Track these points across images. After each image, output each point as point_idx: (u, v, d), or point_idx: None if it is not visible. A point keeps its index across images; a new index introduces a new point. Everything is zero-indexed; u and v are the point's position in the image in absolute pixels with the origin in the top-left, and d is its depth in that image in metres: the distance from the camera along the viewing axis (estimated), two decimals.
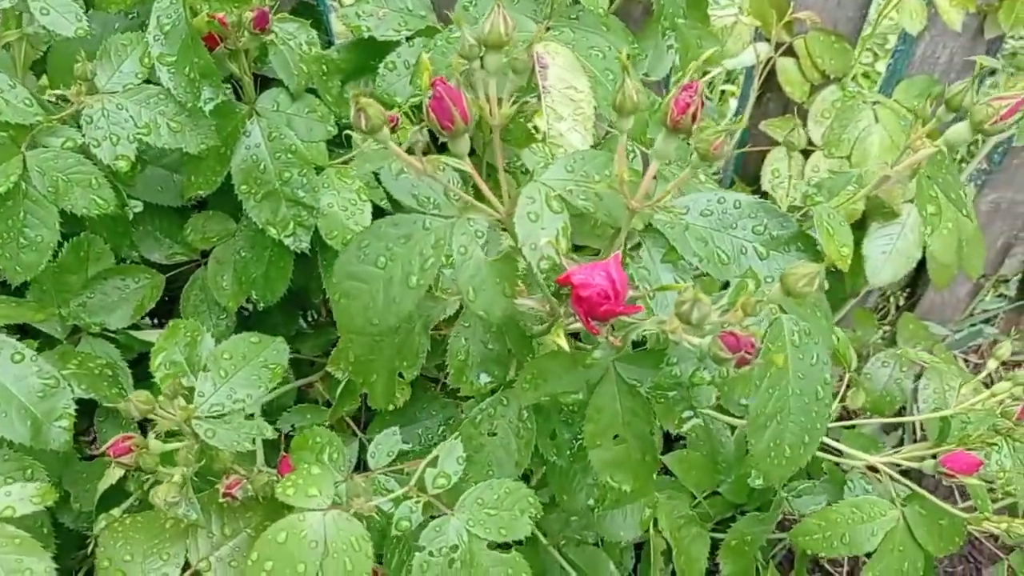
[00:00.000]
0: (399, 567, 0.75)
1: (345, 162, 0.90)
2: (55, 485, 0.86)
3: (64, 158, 0.77)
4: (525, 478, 0.99)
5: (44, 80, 0.88)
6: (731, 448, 1.11)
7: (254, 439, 0.75)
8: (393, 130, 0.82)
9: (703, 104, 0.55)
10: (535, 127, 0.78)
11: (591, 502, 0.82)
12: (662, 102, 0.56)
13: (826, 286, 0.72)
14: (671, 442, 1.22)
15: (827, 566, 1.55)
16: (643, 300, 0.62)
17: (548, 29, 0.80)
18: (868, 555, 0.90)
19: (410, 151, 0.60)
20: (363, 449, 0.94)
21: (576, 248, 0.84)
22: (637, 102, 0.55)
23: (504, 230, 0.63)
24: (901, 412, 1.31)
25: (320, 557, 0.62)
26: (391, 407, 0.91)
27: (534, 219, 0.60)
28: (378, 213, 0.88)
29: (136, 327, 0.97)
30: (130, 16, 0.89)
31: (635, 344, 0.70)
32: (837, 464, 1.09)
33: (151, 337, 0.89)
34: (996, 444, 0.84)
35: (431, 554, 0.67)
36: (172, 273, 0.99)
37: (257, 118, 0.86)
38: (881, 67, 2.13)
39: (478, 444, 0.77)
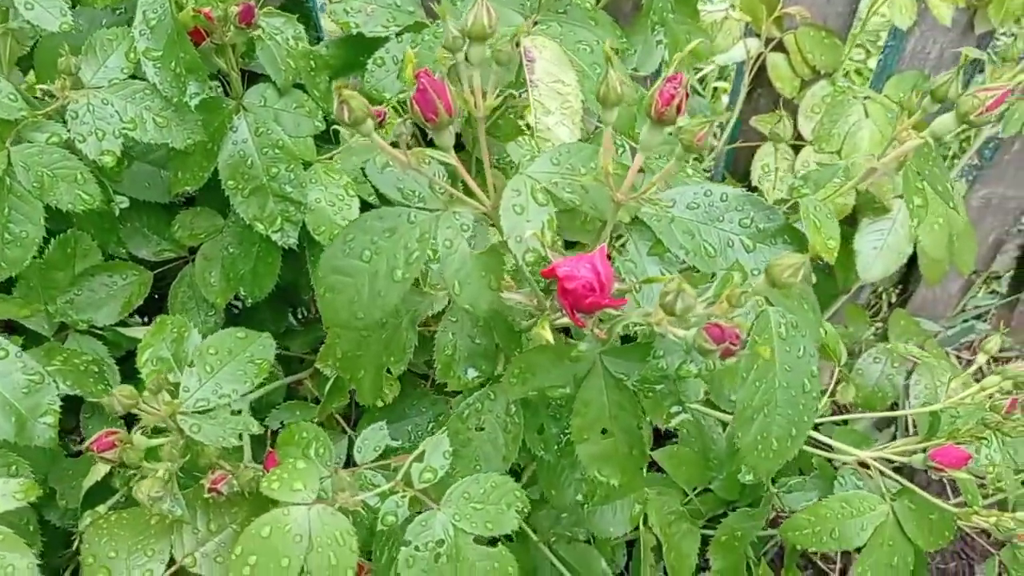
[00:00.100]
0: (388, 564, 0.74)
1: (333, 157, 0.90)
2: (41, 482, 0.86)
3: (49, 153, 0.77)
4: (516, 475, 0.99)
5: (31, 76, 0.88)
6: (723, 444, 1.11)
7: (240, 435, 0.75)
8: (380, 125, 0.82)
9: (688, 96, 0.55)
10: (527, 124, 0.77)
11: (580, 497, 0.82)
12: (647, 94, 0.56)
13: (813, 279, 0.72)
14: (663, 439, 1.22)
15: (820, 563, 1.55)
16: (630, 294, 0.62)
17: (536, 23, 0.80)
18: (859, 551, 0.90)
19: (395, 144, 0.60)
20: (352, 446, 0.94)
21: (569, 245, 0.84)
22: (621, 93, 0.55)
23: (493, 225, 0.63)
24: (894, 408, 1.31)
25: (304, 551, 0.62)
26: (380, 404, 0.90)
27: (519, 212, 0.60)
28: (366, 208, 0.87)
29: (124, 324, 0.97)
30: (117, 12, 0.89)
31: (625, 339, 0.70)
32: (829, 461, 1.09)
33: (139, 334, 0.88)
34: (985, 439, 0.84)
35: (417, 548, 0.66)
36: (160, 270, 0.98)
37: (244, 113, 0.85)
38: (873, 64, 2.12)
39: (465, 439, 0.76)
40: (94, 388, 0.83)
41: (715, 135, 1.48)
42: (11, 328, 0.89)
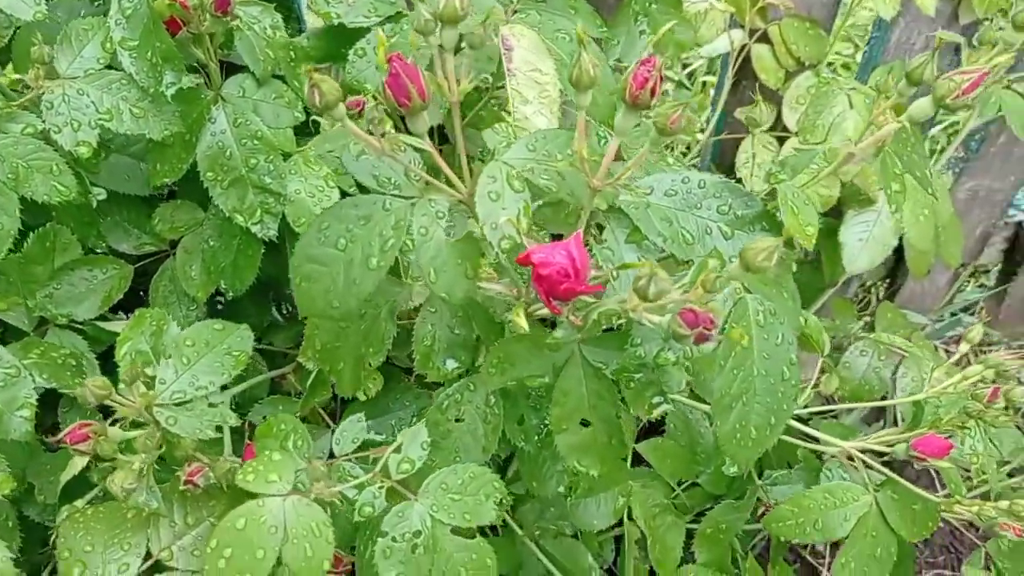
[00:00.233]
0: (372, 557, 0.74)
1: (308, 147, 0.89)
2: (19, 477, 0.85)
3: (24, 144, 0.76)
4: (502, 470, 0.99)
5: (10, 68, 0.87)
6: (710, 438, 1.10)
7: (220, 428, 0.74)
8: (360, 114, 0.81)
9: (662, 79, 0.55)
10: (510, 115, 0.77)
11: (561, 489, 0.81)
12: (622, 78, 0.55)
13: (794, 267, 0.72)
14: (652, 434, 1.21)
15: (809, 558, 1.54)
16: (609, 283, 0.62)
17: (515, 12, 0.80)
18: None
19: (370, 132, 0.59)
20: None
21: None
22: (594, 76, 0.55)
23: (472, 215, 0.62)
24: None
25: (280, 543, 0.62)
26: (363, 397, 0.90)
27: (495, 198, 0.59)
28: None
29: (105, 318, 0.96)
30: (95, 3, 0.88)
31: (608, 331, 0.70)
32: (816, 453, 1.09)
33: (119, 328, 0.88)
34: (968, 428, 0.84)
35: (394, 540, 0.66)
36: (142, 264, 0.98)
37: (223, 104, 0.85)
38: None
39: (445, 430, 0.76)
40: (71, 382, 0.82)
41: (702, 128, 1.48)
42: None
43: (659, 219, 0.63)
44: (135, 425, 0.70)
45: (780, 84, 1.19)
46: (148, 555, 0.70)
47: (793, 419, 0.93)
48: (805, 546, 1.55)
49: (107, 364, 0.92)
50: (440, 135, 0.94)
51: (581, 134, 0.57)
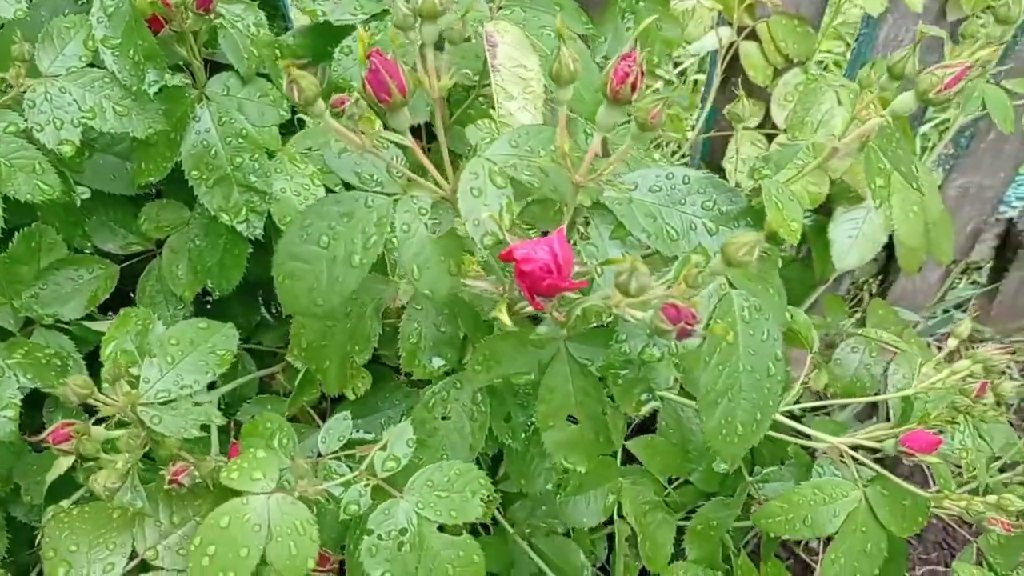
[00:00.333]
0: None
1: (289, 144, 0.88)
2: (5, 478, 0.85)
3: (6, 143, 0.75)
4: (492, 468, 0.98)
5: None
6: (701, 436, 1.10)
7: (206, 427, 0.74)
8: (342, 113, 0.81)
9: (643, 74, 0.55)
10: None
11: (550, 486, 0.81)
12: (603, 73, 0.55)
13: (779, 263, 0.72)
14: (644, 432, 1.21)
15: (802, 554, 1.54)
16: (594, 280, 0.62)
17: (500, 8, 0.79)
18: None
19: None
20: None
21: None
22: (574, 70, 0.54)
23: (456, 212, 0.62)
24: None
25: (264, 541, 0.61)
26: (353, 396, 0.90)
27: (477, 194, 0.59)
28: None
29: (91, 318, 0.96)
30: (78, 1, 0.88)
31: (595, 328, 0.69)
32: (811, 453, 1.09)
33: (105, 328, 0.87)
34: (957, 423, 0.84)
35: (380, 537, 0.66)
36: (128, 263, 0.97)
37: (207, 102, 0.84)
38: None
39: (431, 428, 0.76)
40: (56, 381, 0.82)
41: (692, 127, 1.48)
42: None
43: (643, 215, 0.63)
44: (120, 424, 0.70)
45: (769, 81, 1.19)
46: (134, 554, 0.69)
47: (785, 416, 0.92)
48: (798, 543, 1.55)
49: (94, 364, 0.92)
50: (428, 133, 0.93)
51: (563, 129, 0.56)
